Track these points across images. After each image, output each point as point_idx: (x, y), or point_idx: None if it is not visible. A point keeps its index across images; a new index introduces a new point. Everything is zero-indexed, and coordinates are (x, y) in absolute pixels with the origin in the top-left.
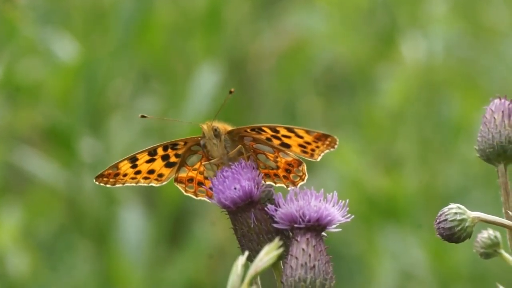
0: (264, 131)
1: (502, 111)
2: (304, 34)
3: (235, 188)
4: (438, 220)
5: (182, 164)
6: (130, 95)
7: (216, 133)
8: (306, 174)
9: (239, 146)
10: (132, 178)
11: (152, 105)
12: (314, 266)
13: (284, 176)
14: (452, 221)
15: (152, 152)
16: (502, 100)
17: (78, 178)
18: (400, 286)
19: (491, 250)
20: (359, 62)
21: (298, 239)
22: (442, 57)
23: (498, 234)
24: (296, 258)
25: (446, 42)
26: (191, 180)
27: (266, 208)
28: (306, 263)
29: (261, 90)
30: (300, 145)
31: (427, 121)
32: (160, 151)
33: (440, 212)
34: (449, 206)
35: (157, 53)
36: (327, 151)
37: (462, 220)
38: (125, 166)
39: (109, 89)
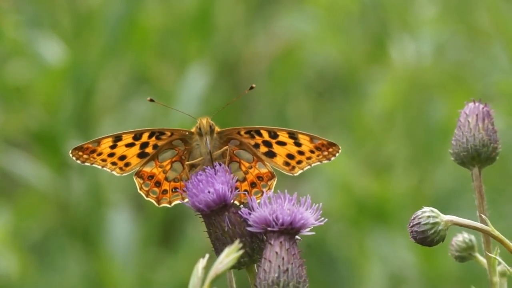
0: (260, 134)
1: (476, 115)
2: (296, 37)
3: (209, 192)
4: (411, 224)
5: (154, 157)
6: (120, 97)
7: (211, 130)
8: (272, 189)
9: (226, 147)
10: (102, 160)
11: (143, 107)
12: (287, 269)
13: (245, 190)
14: (425, 224)
15: (138, 136)
16: (477, 104)
17: (66, 181)
18: None
19: (466, 254)
20: (349, 65)
21: (272, 242)
22: (430, 60)
23: (473, 237)
24: (270, 261)
25: (436, 44)
26: (151, 177)
27: (239, 212)
28: (279, 266)
29: (254, 93)
30: (288, 155)
31: (416, 124)
32: (145, 137)
33: (414, 216)
34: (423, 210)
35: (147, 55)
36: (317, 163)
37: (435, 223)
38: (106, 144)
39: (98, 92)
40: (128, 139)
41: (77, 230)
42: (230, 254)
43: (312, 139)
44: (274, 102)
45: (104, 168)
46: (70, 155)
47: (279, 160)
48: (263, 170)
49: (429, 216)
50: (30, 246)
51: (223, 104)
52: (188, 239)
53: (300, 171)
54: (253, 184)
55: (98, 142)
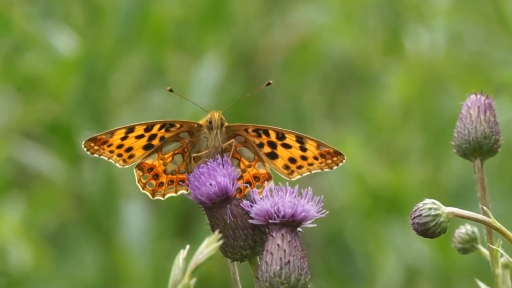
0: (268, 134)
1: (478, 107)
2: (312, 29)
3: (210, 184)
4: (413, 216)
5: (158, 149)
6: (134, 89)
7: (221, 124)
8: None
9: (232, 140)
10: (110, 151)
11: (158, 99)
12: (289, 262)
13: (238, 189)
14: (426, 216)
15: (149, 128)
16: (478, 96)
17: (81, 172)
18: (405, 280)
19: (468, 246)
20: (365, 56)
21: (273, 234)
22: (445, 50)
23: (476, 229)
24: (271, 253)
25: (450, 35)
26: (151, 169)
27: (241, 204)
28: (281, 258)
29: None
30: (290, 159)
31: (431, 114)
32: (155, 129)
33: (415, 208)
34: (424, 201)
35: (161, 46)
36: (318, 171)
37: (437, 215)
38: (118, 136)
39: (112, 83)
40: (139, 130)
41: (92, 221)
42: (210, 244)
43: (319, 145)
44: (290, 93)
45: (110, 160)
46: (82, 146)
47: (280, 162)
48: (261, 171)
49: (430, 208)
50: (45, 238)
51: (239, 95)
52: (205, 229)
53: (298, 177)
54: (248, 183)
55: (112, 133)
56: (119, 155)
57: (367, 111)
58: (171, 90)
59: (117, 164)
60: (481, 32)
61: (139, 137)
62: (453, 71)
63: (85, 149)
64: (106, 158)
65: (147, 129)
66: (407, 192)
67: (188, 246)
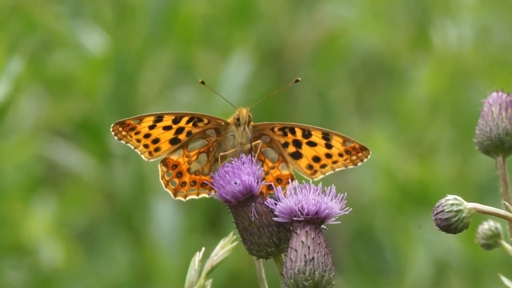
0: (294, 132)
1: (500, 104)
2: (339, 24)
3: (235, 183)
4: (435, 212)
5: (184, 145)
6: (163, 86)
7: (248, 121)
8: None
9: (259, 141)
10: (137, 140)
11: (187, 96)
12: (313, 258)
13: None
14: (449, 212)
15: (177, 119)
16: (500, 93)
17: (111, 170)
18: (434, 274)
19: (492, 241)
20: (392, 51)
21: (298, 232)
22: (472, 44)
23: (498, 225)
24: (296, 250)
25: (478, 29)
26: (175, 166)
27: (266, 202)
28: (305, 255)
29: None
30: (314, 158)
31: (459, 108)
32: (183, 122)
33: (438, 204)
34: (446, 197)
35: (190, 43)
36: (342, 168)
37: (459, 211)
38: (146, 123)
39: (141, 81)
40: (168, 121)
41: (122, 218)
42: (225, 246)
43: (345, 141)
44: (318, 89)
45: (136, 150)
46: (111, 129)
47: (304, 162)
48: (285, 172)
49: (452, 204)
50: (76, 236)
51: (267, 90)
52: (234, 225)
53: (321, 176)
54: (269, 187)
55: (140, 119)
56: (146, 146)
57: (396, 106)
58: (202, 82)
59: (142, 156)
60: (508, 25)
61: (166, 128)
62: (481, 65)
63: (112, 133)
64: (132, 147)
65: (175, 121)
66: (436, 186)
67: (203, 248)
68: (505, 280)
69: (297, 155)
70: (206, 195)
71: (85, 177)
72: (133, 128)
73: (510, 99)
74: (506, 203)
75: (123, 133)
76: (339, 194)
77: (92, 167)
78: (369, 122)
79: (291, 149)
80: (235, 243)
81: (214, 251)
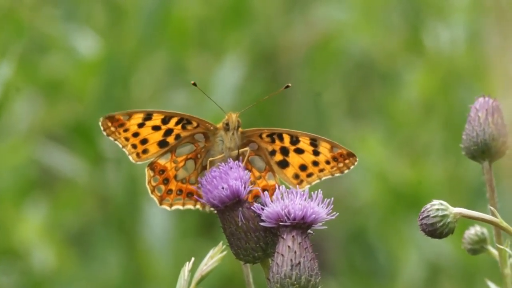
0: (281, 139)
1: (486, 109)
2: (333, 26)
3: (222, 188)
4: (421, 217)
5: (172, 149)
6: (156, 89)
7: (237, 126)
8: None
9: (247, 148)
10: (126, 138)
11: (179, 99)
12: (299, 263)
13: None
14: (434, 217)
15: (166, 120)
16: (486, 99)
17: (103, 173)
18: (427, 277)
19: (478, 246)
20: (386, 54)
21: (284, 236)
22: (464, 47)
23: (485, 230)
24: (282, 255)
25: (470, 31)
26: (162, 171)
27: (253, 207)
28: (291, 260)
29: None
30: (301, 166)
31: (452, 111)
32: (172, 123)
33: (423, 209)
34: (432, 203)
35: (183, 46)
36: (328, 176)
37: (444, 216)
38: (135, 120)
39: (134, 84)
40: (157, 120)
41: (115, 222)
42: (214, 256)
43: (332, 147)
44: (311, 91)
45: (124, 149)
46: (100, 123)
47: (290, 171)
48: (271, 182)
49: (438, 209)
50: (68, 239)
51: (261, 93)
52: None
53: (307, 186)
54: (255, 198)
55: (130, 115)
56: (134, 146)
57: (388, 108)
58: (195, 84)
59: (130, 157)
60: (500, 28)
61: (155, 128)
62: (473, 67)
63: (101, 128)
64: (120, 146)
65: (164, 120)
66: (429, 189)
67: (193, 259)
68: (491, 285)
69: (283, 164)
70: (191, 207)
71: (78, 180)
72: (122, 124)
73: (497, 104)
74: (492, 208)
75: (112, 128)
76: (326, 199)
77: (85, 171)
78: (362, 124)
79: (278, 157)
80: (224, 253)
81: (204, 261)
